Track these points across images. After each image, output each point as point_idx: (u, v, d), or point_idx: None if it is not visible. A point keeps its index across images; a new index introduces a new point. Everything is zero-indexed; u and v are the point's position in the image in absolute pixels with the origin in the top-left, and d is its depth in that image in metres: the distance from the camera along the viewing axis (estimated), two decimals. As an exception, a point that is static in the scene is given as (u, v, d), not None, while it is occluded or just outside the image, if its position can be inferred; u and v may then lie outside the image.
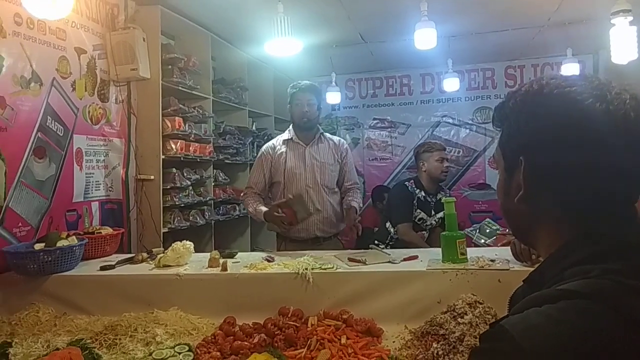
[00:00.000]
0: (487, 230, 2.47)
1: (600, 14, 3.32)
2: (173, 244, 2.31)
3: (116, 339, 1.85)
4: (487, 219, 2.52)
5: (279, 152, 2.90)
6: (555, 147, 0.71)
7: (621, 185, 0.70)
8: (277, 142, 2.97)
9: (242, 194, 3.02)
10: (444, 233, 2.06)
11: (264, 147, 3.01)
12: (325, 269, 2.01)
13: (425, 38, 2.95)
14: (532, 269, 1.68)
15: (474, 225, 2.58)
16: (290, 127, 2.98)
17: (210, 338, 1.84)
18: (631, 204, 0.73)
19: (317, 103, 2.92)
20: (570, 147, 0.69)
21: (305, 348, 1.71)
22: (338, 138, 3.09)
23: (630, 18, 2.86)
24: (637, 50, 2.98)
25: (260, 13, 3.43)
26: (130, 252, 2.95)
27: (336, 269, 2.02)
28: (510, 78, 5.68)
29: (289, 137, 2.93)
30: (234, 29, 3.90)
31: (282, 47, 2.98)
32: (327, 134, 3.05)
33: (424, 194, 3.40)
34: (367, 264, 2.05)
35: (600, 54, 5.11)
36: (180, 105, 3.41)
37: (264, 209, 2.73)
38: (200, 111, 3.68)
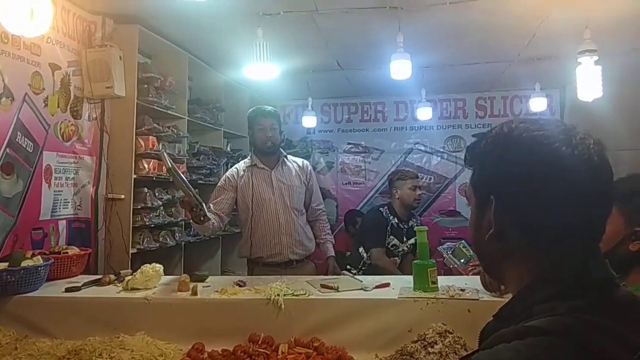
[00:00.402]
0: (461, 255, 2.49)
1: (567, 51, 3.46)
2: (142, 267, 2.26)
3: (79, 364, 1.80)
4: (463, 242, 2.55)
5: (244, 179, 2.89)
6: (523, 188, 0.74)
7: (586, 225, 0.74)
8: (240, 169, 2.95)
9: None
10: (415, 261, 2.09)
11: (227, 173, 3.01)
12: (297, 295, 2.00)
13: (400, 69, 3.02)
14: (500, 299, 1.72)
15: (448, 244, 2.60)
16: (252, 153, 2.99)
17: (177, 365, 1.80)
18: (595, 243, 0.76)
19: (279, 127, 2.96)
20: (538, 188, 0.73)
21: (275, 376, 1.69)
22: (302, 160, 3.12)
23: (596, 58, 2.99)
24: (602, 88, 3.11)
25: (239, 36, 3.46)
26: (97, 273, 2.87)
27: (308, 295, 2.01)
28: (480, 109, 5.84)
29: (252, 164, 2.92)
30: (212, 50, 3.92)
31: (261, 72, 3.01)
32: (290, 157, 3.07)
33: (396, 221, 3.45)
34: (339, 291, 2.05)
35: (567, 89, 5.31)
36: (155, 125, 3.38)
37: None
38: (175, 131, 3.66)
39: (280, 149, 3.02)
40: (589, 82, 3.06)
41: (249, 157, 3.00)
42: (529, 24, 3.31)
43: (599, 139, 0.75)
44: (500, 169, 0.77)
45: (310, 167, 3.10)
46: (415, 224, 3.73)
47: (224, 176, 3.00)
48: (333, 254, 3.02)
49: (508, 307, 0.78)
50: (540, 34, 3.48)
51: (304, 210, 2.99)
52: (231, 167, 4.64)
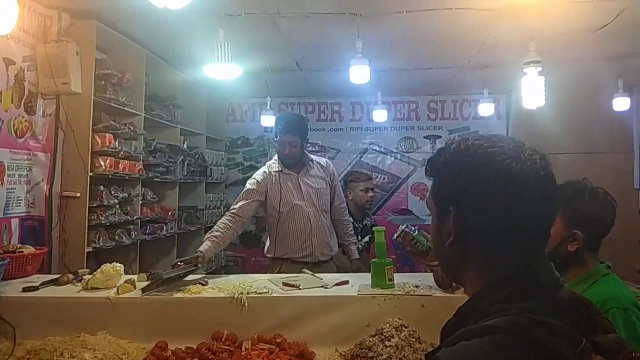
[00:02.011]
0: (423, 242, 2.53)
1: (513, 59, 3.67)
2: (102, 266, 2.25)
3: (40, 365, 1.79)
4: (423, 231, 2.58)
5: (274, 184, 2.92)
6: (478, 200, 0.83)
7: (535, 232, 0.84)
8: (269, 172, 2.96)
9: (225, 213, 2.97)
10: (373, 260, 2.19)
11: (257, 176, 2.97)
12: (260, 293, 2.06)
13: (359, 73, 3.12)
14: (452, 295, 1.84)
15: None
16: (276, 157, 3.01)
17: (141, 363, 1.83)
18: (543, 247, 0.87)
19: (301, 141, 2.94)
20: (491, 200, 0.82)
21: (240, 372, 1.75)
22: (325, 160, 3.17)
23: (540, 68, 3.20)
24: (544, 97, 3.33)
25: (199, 35, 3.46)
26: (50, 272, 2.83)
27: (271, 293, 2.08)
28: (432, 111, 6.05)
29: (280, 169, 2.95)
30: (171, 48, 3.90)
31: (222, 72, 3.03)
32: (314, 157, 3.10)
33: (351, 220, 3.55)
34: (301, 289, 2.13)
35: (512, 94, 5.60)
36: (112, 122, 3.34)
37: (202, 249, 2.62)
38: (132, 128, 3.61)
39: (305, 151, 3.04)
40: (533, 91, 3.27)
41: (275, 161, 3.01)
42: (479, 34, 3.50)
43: (544, 155, 0.86)
44: (458, 183, 0.86)
45: (332, 167, 3.16)
46: (369, 223, 3.86)
47: (254, 179, 2.97)
48: (357, 256, 3.15)
49: (467, 307, 0.87)
50: (489, 43, 3.68)
51: (329, 209, 3.08)
52: (188, 164, 4.70)
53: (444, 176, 0.90)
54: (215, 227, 2.80)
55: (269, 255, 3.06)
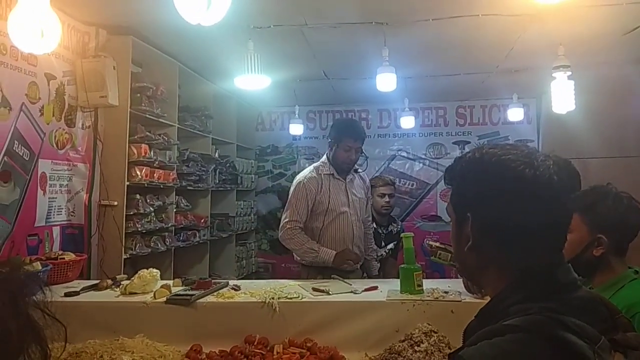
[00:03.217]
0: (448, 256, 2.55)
1: (542, 63, 3.65)
2: (139, 272, 2.34)
3: (82, 366, 1.88)
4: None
5: (323, 188, 2.83)
6: (494, 205, 0.87)
7: (550, 234, 0.87)
8: (319, 175, 2.86)
9: (288, 228, 2.79)
10: (402, 266, 2.21)
11: (307, 179, 2.84)
12: (290, 298, 2.11)
13: (385, 81, 3.16)
14: (481, 300, 1.87)
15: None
16: (326, 161, 2.92)
17: (177, 365, 1.89)
18: (559, 249, 0.89)
19: (362, 148, 2.90)
20: (506, 205, 0.85)
21: (272, 375, 1.80)
22: (362, 172, 3.10)
23: (569, 73, 3.18)
24: (574, 101, 3.30)
25: (229, 47, 3.56)
26: (89, 278, 2.94)
27: (301, 298, 2.13)
28: (460, 117, 6.02)
29: (330, 172, 2.87)
30: (202, 60, 4.01)
31: (251, 83, 3.12)
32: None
33: (374, 226, 3.54)
34: (330, 294, 2.17)
35: (542, 98, 5.52)
36: (147, 133, 3.46)
37: (328, 249, 2.72)
38: (166, 138, 3.74)
39: None
40: (563, 96, 3.24)
41: (324, 164, 2.91)
42: (507, 39, 3.49)
43: (558, 160, 0.88)
44: (474, 190, 0.90)
45: (369, 181, 3.17)
46: (395, 229, 3.85)
47: (304, 185, 2.83)
48: (377, 273, 3.16)
49: (487, 309, 0.90)
50: (517, 48, 3.66)
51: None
52: (219, 173, 4.80)
53: (461, 183, 0.94)
54: (301, 239, 2.77)
55: (304, 263, 2.90)
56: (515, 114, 5.10)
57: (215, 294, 2.21)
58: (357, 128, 2.95)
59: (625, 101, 4.85)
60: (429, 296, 2.08)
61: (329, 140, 2.95)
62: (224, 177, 4.95)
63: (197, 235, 4.29)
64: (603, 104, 4.81)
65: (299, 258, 2.92)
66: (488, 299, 0.92)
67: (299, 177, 2.93)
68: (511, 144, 0.93)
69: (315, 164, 2.98)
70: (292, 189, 2.90)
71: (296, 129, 5.42)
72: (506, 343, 0.76)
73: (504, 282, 0.88)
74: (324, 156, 2.99)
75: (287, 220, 2.80)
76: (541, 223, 0.84)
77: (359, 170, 3.07)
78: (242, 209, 5.50)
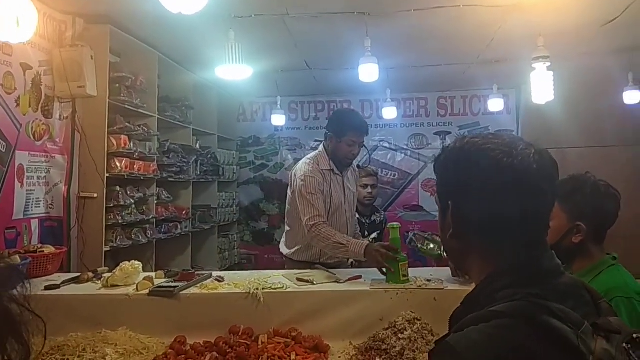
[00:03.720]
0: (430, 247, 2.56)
1: (522, 54, 3.69)
2: (121, 264, 2.31)
3: (64, 359, 1.85)
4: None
5: (327, 182, 2.69)
6: (473, 194, 0.88)
7: (531, 221, 0.87)
8: (322, 169, 2.70)
9: (311, 226, 2.51)
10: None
11: (313, 173, 2.64)
12: (275, 289, 2.11)
13: (368, 72, 3.16)
14: (464, 288, 1.89)
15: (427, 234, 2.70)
16: (325, 155, 2.74)
17: (161, 357, 1.88)
18: (542, 237, 0.90)
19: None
20: (484, 193, 0.87)
21: (257, 365, 1.80)
22: (356, 164, 2.97)
23: (548, 64, 3.22)
24: (553, 91, 3.34)
25: (210, 37, 3.51)
26: (69, 272, 2.90)
27: (286, 288, 2.13)
28: (441, 108, 6.06)
29: (330, 168, 2.72)
30: (182, 50, 3.96)
31: (233, 72, 3.08)
32: None
33: (358, 216, 3.56)
34: (315, 284, 2.17)
35: (522, 89, 5.59)
36: (127, 124, 3.41)
37: (360, 242, 2.44)
38: (146, 129, 3.69)
39: None
40: (542, 86, 3.28)
41: (322, 158, 2.73)
42: (487, 30, 3.51)
43: (540, 149, 0.89)
44: (454, 178, 0.92)
45: (357, 171, 3.05)
46: (378, 219, 3.88)
47: (314, 179, 2.62)
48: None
49: (473, 295, 0.91)
50: (497, 39, 3.69)
51: None
52: (201, 164, 4.76)
53: (444, 173, 0.96)
54: (331, 232, 2.49)
55: (294, 259, 2.78)
56: (495, 104, 5.17)
57: (198, 285, 2.20)
58: (362, 121, 2.72)
59: (603, 92, 4.93)
60: (412, 284, 2.10)
61: (328, 133, 2.73)
62: (205, 169, 4.92)
63: (179, 227, 4.26)
64: (582, 95, 4.90)
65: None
66: (474, 285, 0.94)
67: (304, 170, 2.67)
68: (494, 134, 0.94)
69: (310, 157, 2.76)
70: (300, 185, 2.62)
71: (278, 119, 5.40)
72: (492, 329, 0.77)
73: (488, 269, 0.89)
74: (320, 149, 2.79)
75: (307, 218, 2.53)
76: (521, 211, 0.85)
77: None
78: (224, 200, 5.48)
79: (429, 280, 2.14)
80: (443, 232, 0.96)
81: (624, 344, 0.79)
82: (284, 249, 2.90)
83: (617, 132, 5.21)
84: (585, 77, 4.68)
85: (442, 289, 2.06)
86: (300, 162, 2.80)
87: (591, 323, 0.79)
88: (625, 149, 5.22)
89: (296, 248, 2.79)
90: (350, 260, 2.83)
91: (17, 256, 2.28)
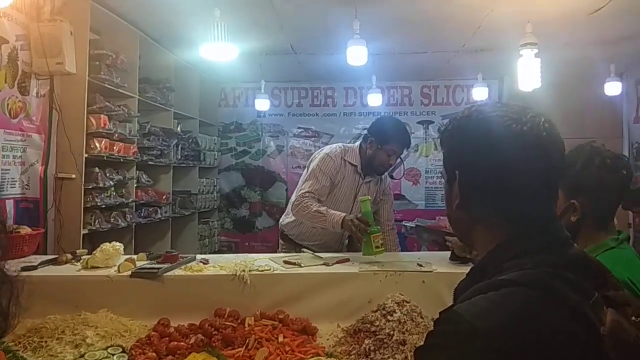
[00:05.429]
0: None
1: (508, 43, 3.69)
2: (102, 245, 2.24)
3: (42, 342, 1.78)
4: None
5: (342, 172, 2.66)
6: (480, 162, 0.86)
7: (539, 189, 0.85)
8: (344, 160, 2.68)
9: (300, 196, 2.58)
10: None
11: (332, 156, 2.66)
12: (262, 271, 2.07)
13: (357, 55, 3.12)
14: (453, 271, 1.84)
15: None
16: (358, 153, 2.71)
17: (144, 339, 1.82)
18: (551, 205, 0.88)
19: None
20: (492, 161, 0.84)
21: (244, 347, 1.76)
22: (385, 175, 2.85)
23: (536, 50, 3.22)
24: (540, 79, 3.35)
25: (193, 16, 3.42)
26: (45, 254, 2.80)
27: (273, 271, 2.09)
28: (425, 97, 6.06)
29: (355, 164, 2.68)
30: (164, 29, 3.85)
31: (218, 52, 3.00)
32: None
33: None
34: (302, 266, 2.14)
35: (505, 79, 5.63)
36: (107, 103, 3.30)
37: (338, 213, 2.44)
38: (126, 110, 3.58)
39: None
40: (529, 73, 3.29)
41: (354, 153, 2.70)
42: (476, 15, 3.50)
43: (549, 118, 0.87)
44: (461, 146, 0.90)
45: (389, 181, 2.93)
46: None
47: (331, 163, 2.63)
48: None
49: (479, 266, 0.89)
50: (485, 25, 3.68)
51: None
52: (182, 148, 4.67)
53: (451, 143, 0.93)
54: (311, 203, 2.52)
55: (286, 232, 2.86)
56: (479, 93, 5.16)
57: (183, 267, 2.14)
58: (407, 134, 2.67)
59: (586, 83, 4.99)
60: (401, 268, 2.09)
61: (369, 136, 2.67)
62: (186, 153, 4.82)
63: (159, 212, 4.17)
64: (564, 85, 4.94)
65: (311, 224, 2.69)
66: (461, 269, 0.91)
67: (329, 150, 2.71)
68: (503, 103, 0.92)
69: (343, 145, 2.78)
70: (318, 159, 2.66)
71: (262, 104, 5.32)
72: (501, 296, 0.74)
73: (496, 240, 0.86)
74: (356, 145, 2.77)
75: (304, 191, 2.57)
76: (529, 178, 0.83)
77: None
78: (204, 186, 5.39)
79: (420, 265, 2.12)
80: (449, 204, 0.93)
81: (634, 317, 0.77)
82: (282, 220, 2.99)
83: (596, 123, 5.28)
84: (569, 67, 4.71)
85: (431, 271, 2.05)
86: (332, 145, 2.83)
87: (601, 295, 0.77)
88: (603, 141, 5.21)
89: (289, 220, 2.88)
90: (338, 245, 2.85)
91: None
